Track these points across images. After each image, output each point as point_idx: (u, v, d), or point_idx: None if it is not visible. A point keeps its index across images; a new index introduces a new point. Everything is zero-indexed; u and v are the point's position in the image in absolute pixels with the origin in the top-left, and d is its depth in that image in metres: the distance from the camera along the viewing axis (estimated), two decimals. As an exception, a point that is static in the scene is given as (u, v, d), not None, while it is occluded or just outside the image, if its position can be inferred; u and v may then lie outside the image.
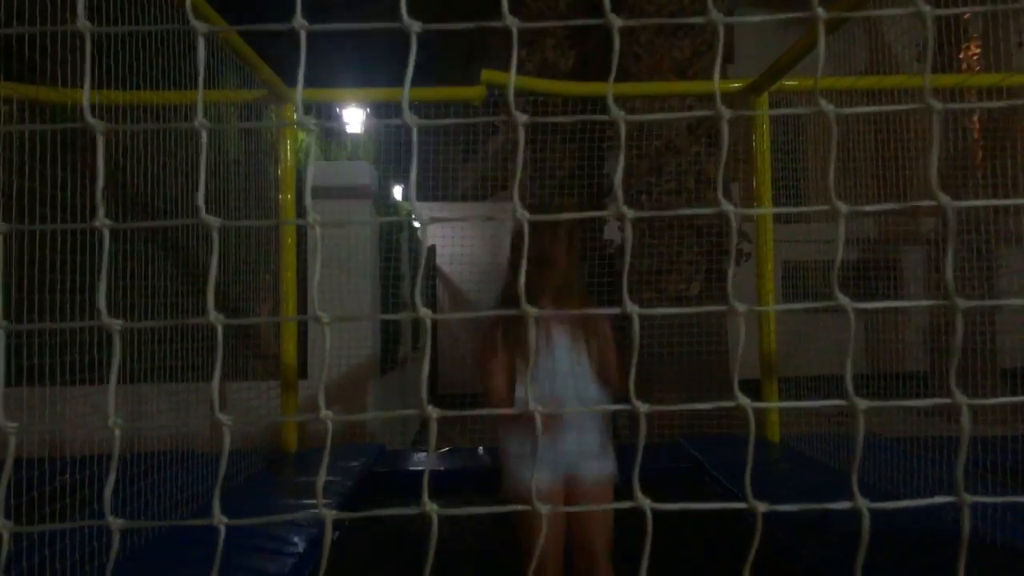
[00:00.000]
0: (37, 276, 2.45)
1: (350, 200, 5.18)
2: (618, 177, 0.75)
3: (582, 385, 2.43)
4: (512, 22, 0.72)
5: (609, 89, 0.77)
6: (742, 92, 4.48)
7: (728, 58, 12.29)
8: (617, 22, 0.72)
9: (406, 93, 0.69)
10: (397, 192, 7.88)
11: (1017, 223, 6.97)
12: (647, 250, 6.17)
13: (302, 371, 4.78)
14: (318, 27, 0.75)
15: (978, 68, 7.18)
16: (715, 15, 0.70)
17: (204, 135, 0.70)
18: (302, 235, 4.69)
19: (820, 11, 0.73)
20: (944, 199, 0.69)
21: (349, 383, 5.11)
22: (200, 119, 0.68)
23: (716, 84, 0.77)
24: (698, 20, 0.77)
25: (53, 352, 2.55)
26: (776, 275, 4.63)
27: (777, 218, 4.55)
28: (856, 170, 5.16)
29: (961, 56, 7.57)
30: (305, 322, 4.83)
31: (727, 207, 0.75)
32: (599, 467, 2.45)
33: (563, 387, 2.42)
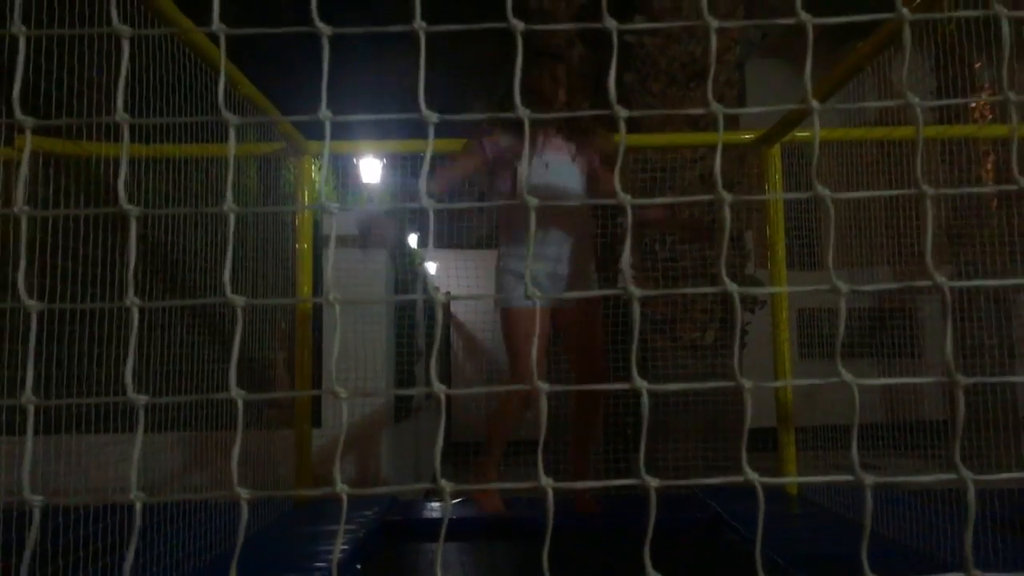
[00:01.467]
0: (56, 330, 2.48)
1: (366, 249, 5.22)
2: (625, 257, 0.77)
3: (572, 210, 2.62)
4: (524, 112, 0.75)
5: (617, 182, 0.79)
6: (753, 144, 4.52)
7: (739, 107, 12.39)
8: (623, 112, 0.74)
9: (425, 168, 0.71)
10: (412, 241, 7.93)
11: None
12: (661, 298, 6.16)
13: (316, 420, 4.77)
14: (342, 117, 0.78)
15: (990, 117, 7.22)
16: (714, 106, 0.72)
17: (232, 218, 0.72)
18: (318, 284, 4.72)
19: (814, 103, 0.75)
20: (940, 279, 0.70)
21: (363, 432, 5.09)
22: (228, 203, 0.71)
23: (717, 167, 0.78)
24: (698, 111, 0.79)
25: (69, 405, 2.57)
26: (791, 323, 4.61)
27: (791, 265, 4.55)
28: (867, 217, 5.17)
29: (972, 105, 7.61)
30: (319, 372, 4.84)
31: (732, 287, 0.76)
32: (587, 287, 2.70)
33: (554, 208, 2.64)
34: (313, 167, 4.51)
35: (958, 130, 4.61)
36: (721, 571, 1.93)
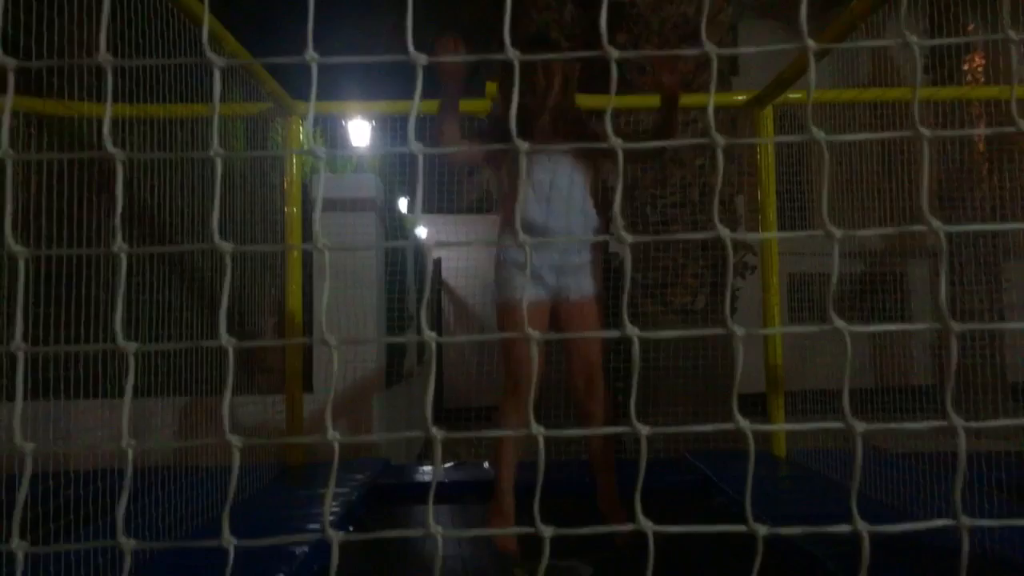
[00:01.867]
0: (44, 290, 2.46)
1: (355, 212, 5.19)
2: (617, 204, 0.76)
3: (574, 205, 2.57)
4: (513, 55, 0.72)
5: (608, 120, 0.77)
6: (746, 105, 4.48)
7: (732, 70, 12.31)
8: (614, 53, 0.72)
9: (411, 126, 0.69)
10: (402, 204, 7.89)
11: None
12: (652, 263, 6.16)
13: (307, 384, 4.77)
14: (330, 59, 0.75)
15: (982, 80, 7.17)
16: (709, 46, 0.70)
17: (219, 164, 0.70)
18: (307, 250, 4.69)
19: (810, 42, 0.73)
20: (936, 223, 0.69)
21: (354, 397, 5.10)
22: (216, 148, 0.69)
23: (711, 114, 0.77)
24: (692, 52, 0.77)
25: (59, 366, 2.56)
26: (782, 287, 4.62)
27: (782, 229, 4.54)
28: (860, 181, 5.16)
29: (965, 68, 7.57)
30: (311, 336, 4.83)
31: (724, 232, 0.75)
32: (584, 286, 2.64)
33: (558, 206, 2.61)
34: (301, 128, 4.45)
35: (950, 92, 4.58)
36: (711, 533, 1.95)
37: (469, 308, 9.86)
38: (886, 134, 0.78)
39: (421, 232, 8.87)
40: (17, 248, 0.68)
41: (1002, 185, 5.55)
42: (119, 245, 0.70)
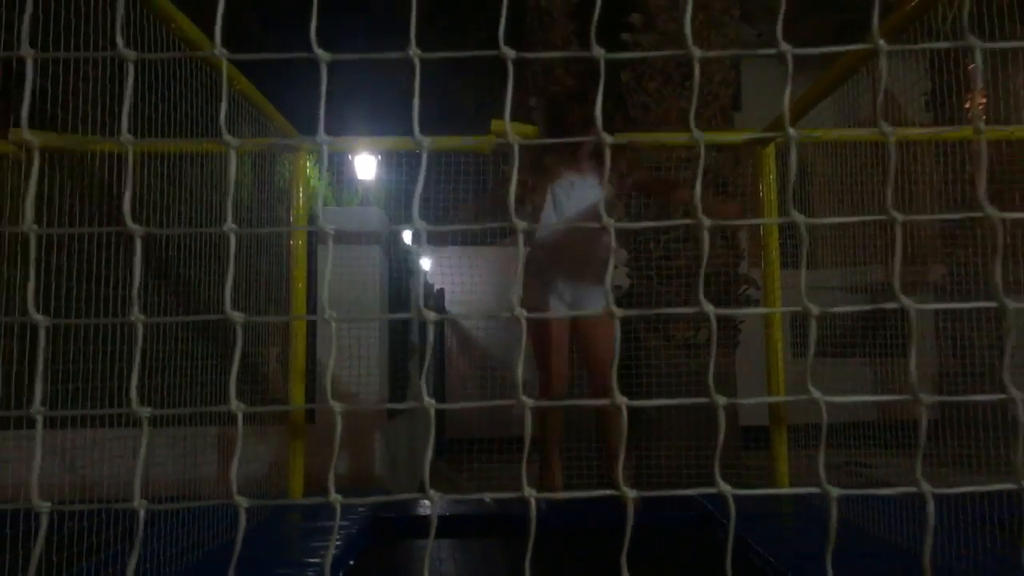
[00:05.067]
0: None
1: (360, 246, 5.22)
2: (608, 283, 0.78)
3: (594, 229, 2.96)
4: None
5: (607, 174, 0.79)
6: (748, 144, 4.53)
7: (735, 106, 12.42)
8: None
9: (419, 190, 0.72)
10: (407, 237, 7.93)
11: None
12: (655, 297, 6.17)
13: (309, 416, 4.77)
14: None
15: (984, 119, 7.20)
16: (696, 134, 0.73)
17: (232, 239, 0.72)
18: (312, 278, 4.72)
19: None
20: (906, 302, 0.71)
21: (357, 430, 5.09)
22: (229, 224, 0.71)
23: (698, 193, 0.79)
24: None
25: (65, 400, 2.57)
26: (784, 322, 4.63)
27: (784, 264, 4.56)
28: (862, 209, 5.18)
29: (967, 106, 7.63)
30: (313, 367, 4.84)
31: (708, 308, 0.77)
32: (600, 301, 3.02)
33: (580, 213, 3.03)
34: (308, 162, 4.50)
35: (952, 134, 4.63)
36: (712, 568, 1.94)
37: (472, 339, 9.87)
38: (859, 218, 0.80)
39: (425, 264, 8.91)
40: (38, 318, 0.70)
41: (1004, 221, 5.54)
42: (136, 316, 0.72)
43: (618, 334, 0.86)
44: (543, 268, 3.14)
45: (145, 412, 0.73)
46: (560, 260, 3.11)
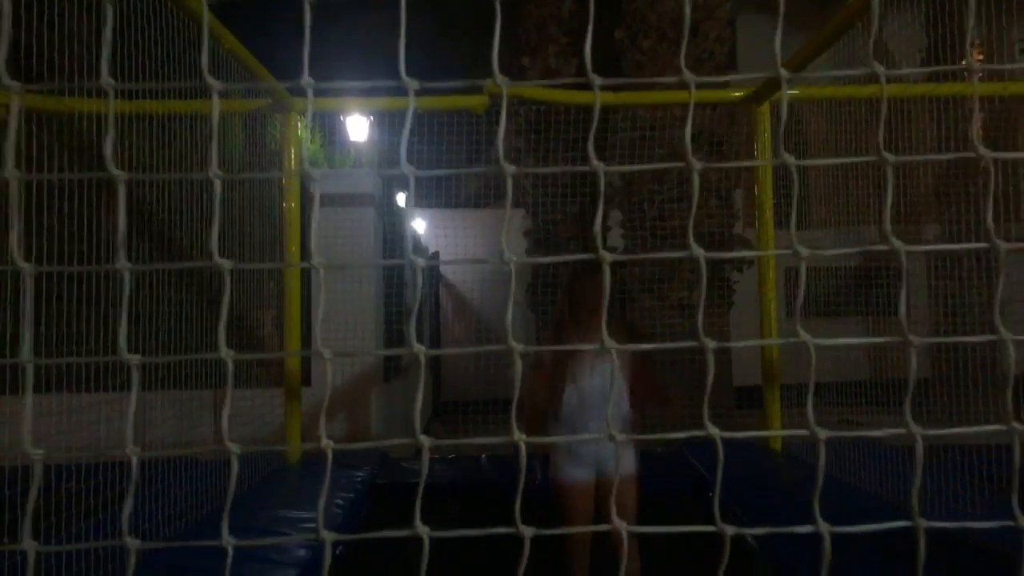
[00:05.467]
0: (44, 287, 2.47)
1: (354, 208, 5.20)
2: (597, 223, 0.78)
3: (616, 402, 3.00)
4: (504, 82, 0.74)
5: (590, 148, 0.78)
6: (743, 101, 4.49)
7: (730, 64, 12.31)
8: (598, 81, 0.74)
9: (404, 144, 0.71)
10: (400, 199, 7.91)
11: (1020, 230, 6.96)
12: (648, 259, 6.17)
13: (306, 378, 4.79)
14: (325, 84, 0.77)
15: (980, 75, 7.15)
16: (687, 75, 0.72)
17: (218, 184, 0.72)
18: (305, 242, 4.70)
19: (784, 72, 0.75)
20: (897, 244, 0.71)
21: (353, 391, 5.12)
22: (214, 170, 0.70)
23: (687, 143, 0.78)
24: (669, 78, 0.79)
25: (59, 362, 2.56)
26: (778, 282, 4.64)
27: (778, 224, 4.56)
28: (856, 178, 5.17)
29: (963, 63, 7.56)
30: (308, 329, 4.84)
31: (697, 251, 0.77)
32: (624, 466, 3.03)
33: (596, 402, 3.06)
34: (299, 124, 4.46)
35: (947, 88, 4.60)
36: (707, 535, 1.98)
37: (467, 303, 9.87)
38: (850, 159, 0.80)
39: (419, 226, 8.88)
40: (25, 266, 0.70)
41: (997, 179, 5.54)
42: (123, 263, 0.72)
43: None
44: (569, 447, 3.16)
45: (135, 359, 0.74)
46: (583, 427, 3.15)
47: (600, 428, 2.98)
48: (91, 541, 2.37)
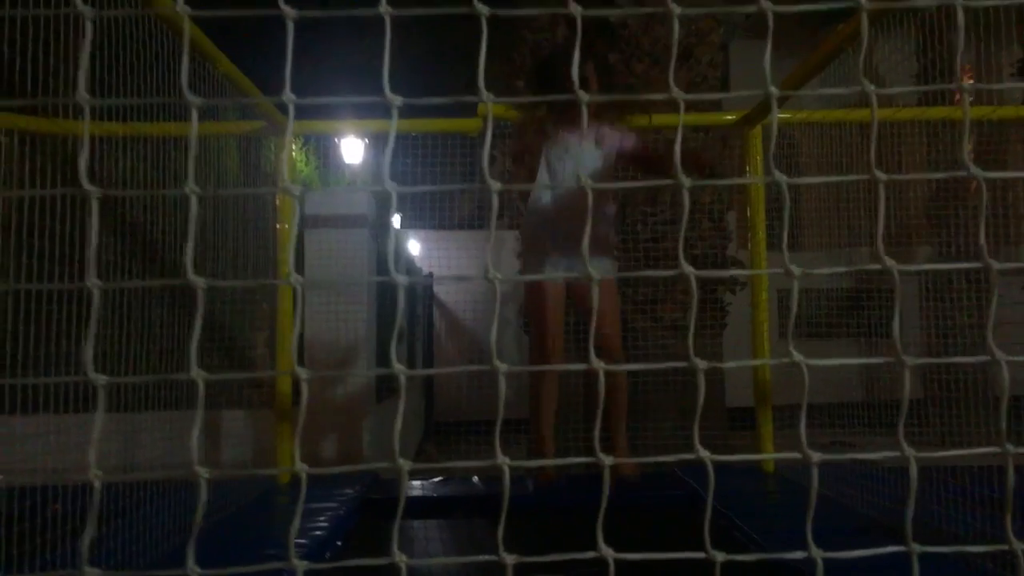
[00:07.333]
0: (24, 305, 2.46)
1: (348, 229, 5.20)
2: (584, 244, 0.78)
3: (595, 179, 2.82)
4: (488, 98, 0.75)
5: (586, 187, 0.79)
6: (735, 125, 4.53)
7: (723, 88, 12.40)
8: (585, 98, 0.74)
9: (387, 161, 0.71)
10: (395, 221, 7.92)
11: (1017, 253, 7.00)
12: (643, 279, 6.18)
13: (297, 398, 4.76)
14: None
15: (971, 98, 7.22)
16: (676, 92, 0.73)
17: (194, 200, 0.72)
18: (300, 264, 4.70)
19: (774, 90, 0.76)
20: (889, 262, 0.72)
21: (344, 411, 5.09)
22: (191, 186, 0.70)
23: (677, 153, 0.79)
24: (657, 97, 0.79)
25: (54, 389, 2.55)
26: (772, 304, 4.64)
27: (771, 246, 4.57)
28: (848, 200, 5.20)
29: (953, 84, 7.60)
30: (300, 349, 4.83)
31: (687, 269, 0.78)
32: (600, 267, 2.95)
33: (571, 191, 2.93)
34: (294, 146, 4.47)
35: (938, 112, 4.64)
36: (698, 547, 1.95)
37: (461, 323, 9.86)
38: (843, 178, 0.81)
39: (414, 247, 8.89)
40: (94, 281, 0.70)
41: (993, 202, 5.59)
42: (92, 281, 0.72)
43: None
44: (537, 237, 3.01)
45: (101, 380, 0.73)
46: (555, 231, 2.96)
47: (577, 230, 2.95)
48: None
